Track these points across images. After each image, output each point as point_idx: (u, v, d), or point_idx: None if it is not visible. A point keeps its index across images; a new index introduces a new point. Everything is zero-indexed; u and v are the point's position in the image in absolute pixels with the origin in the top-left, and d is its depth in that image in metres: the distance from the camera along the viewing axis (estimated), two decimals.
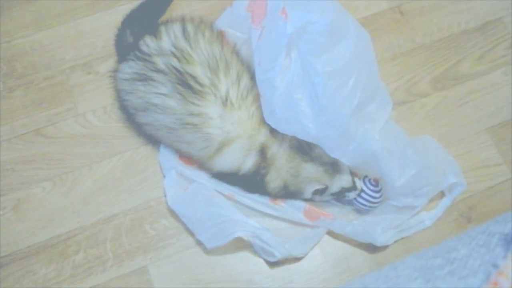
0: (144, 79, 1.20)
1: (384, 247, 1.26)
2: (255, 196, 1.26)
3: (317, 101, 1.07)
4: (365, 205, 1.23)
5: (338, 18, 1.06)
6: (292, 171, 1.19)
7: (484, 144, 1.36)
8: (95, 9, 1.48)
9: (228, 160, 1.20)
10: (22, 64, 1.42)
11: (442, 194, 1.31)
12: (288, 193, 1.23)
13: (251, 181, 1.22)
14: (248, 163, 1.20)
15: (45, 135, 1.35)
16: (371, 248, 1.26)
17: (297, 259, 1.25)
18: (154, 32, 1.24)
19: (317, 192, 1.20)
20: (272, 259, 1.23)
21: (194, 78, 1.17)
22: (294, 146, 1.19)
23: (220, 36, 1.27)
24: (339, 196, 1.23)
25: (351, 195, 1.22)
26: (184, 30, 1.22)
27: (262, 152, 1.19)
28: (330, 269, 1.25)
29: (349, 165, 1.19)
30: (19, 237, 1.26)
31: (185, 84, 1.17)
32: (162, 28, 1.23)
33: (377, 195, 1.22)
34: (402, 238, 1.27)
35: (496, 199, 1.31)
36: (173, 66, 1.18)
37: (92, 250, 1.26)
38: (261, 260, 1.25)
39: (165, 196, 1.28)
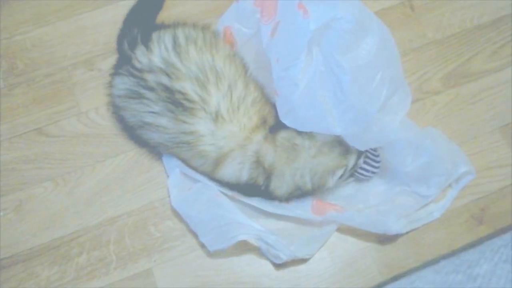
0: (136, 96, 1.17)
1: (393, 250, 1.23)
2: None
3: (343, 99, 1.06)
4: (368, 171, 1.23)
5: (362, 14, 1.03)
6: (301, 171, 1.16)
7: (496, 143, 1.33)
8: (96, 5, 1.44)
9: (227, 173, 1.19)
10: (23, 61, 1.39)
11: (449, 185, 1.27)
12: (304, 193, 1.19)
13: (256, 191, 1.19)
14: (245, 175, 1.18)
15: (47, 134, 1.32)
16: (380, 250, 1.23)
17: (304, 261, 1.23)
18: (148, 37, 1.20)
19: (340, 177, 1.18)
20: (278, 261, 1.20)
21: (183, 94, 1.14)
22: (288, 147, 1.16)
23: (214, 39, 1.22)
24: (354, 169, 1.21)
25: (360, 161, 1.20)
26: (174, 41, 1.18)
27: (259, 161, 1.16)
28: (338, 272, 1.22)
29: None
30: (21, 239, 1.24)
31: (175, 102, 1.14)
32: (154, 38, 1.19)
33: (378, 158, 1.23)
34: (411, 241, 1.24)
35: (509, 201, 1.27)
36: (162, 84, 1.15)
37: (95, 252, 1.23)
38: (268, 263, 1.23)
39: (169, 196, 1.25)
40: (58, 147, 1.31)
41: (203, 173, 1.22)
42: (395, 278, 1.10)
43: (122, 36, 1.26)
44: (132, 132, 1.25)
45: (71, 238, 1.24)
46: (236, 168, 1.17)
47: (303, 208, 1.21)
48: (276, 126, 1.18)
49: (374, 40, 1.04)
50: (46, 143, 1.31)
